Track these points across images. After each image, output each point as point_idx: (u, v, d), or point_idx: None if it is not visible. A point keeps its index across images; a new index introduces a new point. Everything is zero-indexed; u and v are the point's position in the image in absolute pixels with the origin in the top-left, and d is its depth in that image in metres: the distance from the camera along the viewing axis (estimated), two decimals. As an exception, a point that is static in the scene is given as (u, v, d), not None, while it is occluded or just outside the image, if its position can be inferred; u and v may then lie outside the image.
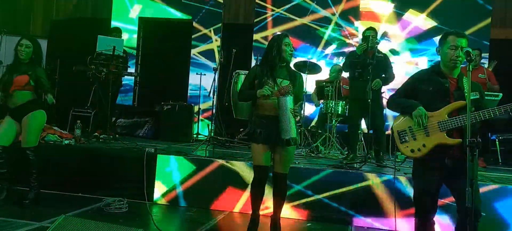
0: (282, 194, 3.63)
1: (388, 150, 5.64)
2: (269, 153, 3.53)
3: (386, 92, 5.57)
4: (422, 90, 2.95)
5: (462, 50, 2.82)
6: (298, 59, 7.01)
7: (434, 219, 2.97)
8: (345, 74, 6.00)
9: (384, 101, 5.17)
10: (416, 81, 3.03)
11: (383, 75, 5.26)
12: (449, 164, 2.83)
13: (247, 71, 4.17)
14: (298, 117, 3.47)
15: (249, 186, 3.87)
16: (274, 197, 3.63)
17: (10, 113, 4.33)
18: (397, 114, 3.11)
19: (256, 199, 3.61)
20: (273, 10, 8.06)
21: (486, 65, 6.54)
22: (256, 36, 8.12)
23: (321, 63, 7.33)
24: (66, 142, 5.35)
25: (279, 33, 3.62)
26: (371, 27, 5.51)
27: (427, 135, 2.87)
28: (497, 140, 6.07)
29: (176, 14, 8.53)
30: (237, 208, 4.61)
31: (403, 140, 2.96)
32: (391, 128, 3.08)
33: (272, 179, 3.63)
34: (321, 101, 6.59)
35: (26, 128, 4.28)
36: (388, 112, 5.81)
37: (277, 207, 3.62)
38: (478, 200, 2.80)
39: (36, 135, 4.38)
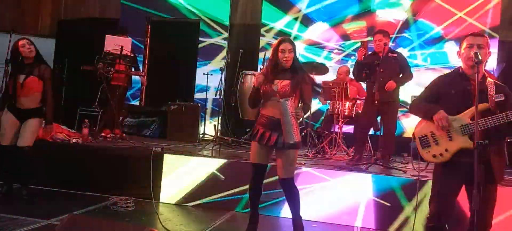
0: (292, 199, 3.51)
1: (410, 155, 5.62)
2: (266, 152, 3.50)
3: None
4: (445, 94, 2.90)
5: (479, 47, 2.79)
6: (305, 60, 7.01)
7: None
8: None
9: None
10: (439, 85, 2.97)
11: (401, 76, 5.22)
12: (469, 168, 2.77)
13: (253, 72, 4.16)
14: (300, 119, 3.38)
15: None
16: (287, 203, 3.60)
17: (14, 112, 4.35)
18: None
19: (253, 198, 3.60)
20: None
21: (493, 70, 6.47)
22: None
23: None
24: (74, 140, 5.38)
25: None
26: (379, 30, 5.48)
27: (450, 139, 2.82)
28: (505, 142, 6.02)
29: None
30: (243, 208, 4.61)
31: (425, 145, 2.90)
32: (413, 134, 3.01)
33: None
34: (328, 102, 6.58)
35: (29, 128, 4.36)
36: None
37: (292, 211, 3.54)
38: (491, 211, 2.76)
39: (35, 136, 4.46)
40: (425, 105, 2.94)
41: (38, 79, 4.32)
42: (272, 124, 3.40)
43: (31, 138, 4.39)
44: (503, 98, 2.79)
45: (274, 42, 3.54)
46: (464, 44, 2.87)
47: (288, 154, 3.40)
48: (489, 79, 2.84)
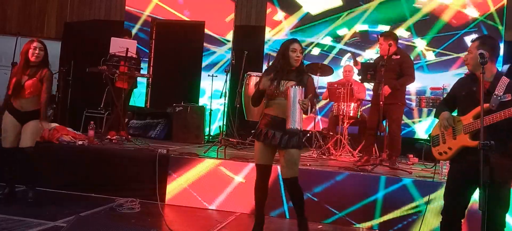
0: (296, 199, 3.51)
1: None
2: (270, 152, 3.49)
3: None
4: (459, 96, 3.04)
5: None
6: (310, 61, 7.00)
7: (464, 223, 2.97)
8: (357, 77, 6.00)
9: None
10: (455, 88, 3.12)
11: (401, 78, 5.21)
12: (476, 167, 2.76)
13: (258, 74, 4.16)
14: (308, 110, 3.30)
15: None
16: (292, 203, 3.59)
17: (14, 114, 4.36)
18: None
19: (258, 199, 3.58)
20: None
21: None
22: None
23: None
24: (80, 142, 5.41)
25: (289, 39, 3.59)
26: (382, 33, 5.49)
27: (454, 138, 2.95)
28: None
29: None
30: (249, 210, 4.61)
31: (435, 143, 3.10)
32: (429, 134, 3.23)
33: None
34: (332, 102, 6.57)
35: (30, 130, 4.36)
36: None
37: (297, 211, 3.52)
38: (502, 211, 2.76)
39: (35, 136, 4.46)
40: (439, 107, 3.13)
41: (38, 82, 4.30)
42: (276, 123, 3.40)
43: (32, 139, 4.39)
44: (509, 98, 2.79)
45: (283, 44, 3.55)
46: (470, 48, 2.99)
47: (292, 153, 3.40)
48: (504, 78, 2.86)
